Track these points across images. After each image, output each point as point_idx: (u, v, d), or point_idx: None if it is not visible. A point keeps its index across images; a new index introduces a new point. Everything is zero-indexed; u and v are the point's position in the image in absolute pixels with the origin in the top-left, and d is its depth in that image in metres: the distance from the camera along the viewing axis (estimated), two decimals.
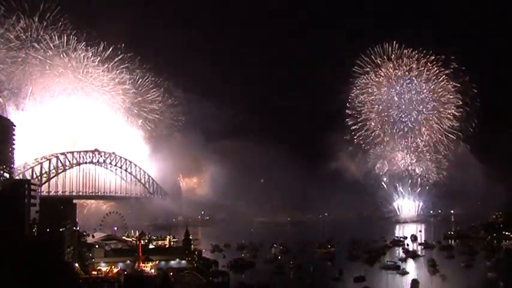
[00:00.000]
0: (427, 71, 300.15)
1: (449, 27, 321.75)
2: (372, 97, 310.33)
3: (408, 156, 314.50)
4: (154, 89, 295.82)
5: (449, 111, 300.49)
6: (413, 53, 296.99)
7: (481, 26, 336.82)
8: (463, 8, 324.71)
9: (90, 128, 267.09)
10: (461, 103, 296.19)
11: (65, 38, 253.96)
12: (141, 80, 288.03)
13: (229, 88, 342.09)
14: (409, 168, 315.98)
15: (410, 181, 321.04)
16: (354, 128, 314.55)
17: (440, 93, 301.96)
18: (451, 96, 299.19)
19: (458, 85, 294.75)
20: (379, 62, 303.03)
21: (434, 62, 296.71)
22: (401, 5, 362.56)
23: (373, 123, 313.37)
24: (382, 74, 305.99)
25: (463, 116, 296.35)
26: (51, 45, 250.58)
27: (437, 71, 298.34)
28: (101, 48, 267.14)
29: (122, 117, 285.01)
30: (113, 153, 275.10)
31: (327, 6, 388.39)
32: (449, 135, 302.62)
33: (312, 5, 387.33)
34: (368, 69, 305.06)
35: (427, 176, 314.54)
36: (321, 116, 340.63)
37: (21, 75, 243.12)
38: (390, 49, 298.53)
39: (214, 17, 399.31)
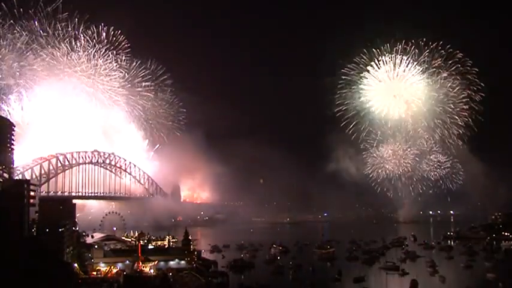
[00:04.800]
0: (427, 66, 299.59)
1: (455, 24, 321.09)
2: (372, 98, 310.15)
3: (408, 156, 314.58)
4: (156, 90, 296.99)
5: (449, 111, 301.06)
6: (412, 47, 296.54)
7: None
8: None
9: (90, 128, 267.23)
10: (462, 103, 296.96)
11: (70, 39, 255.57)
12: (143, 81, 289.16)
13: (230, 90, 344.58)
14: (409, 168, 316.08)
15: (410, 181, 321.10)
16: (353, 128, 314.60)
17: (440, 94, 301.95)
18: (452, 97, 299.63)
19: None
20: (378, 61, 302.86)
21: (439, 59, 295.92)
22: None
23: (373, 124, 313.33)
24: (382, 73, 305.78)
25: (463, 116, 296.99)
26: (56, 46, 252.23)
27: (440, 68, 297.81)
28: (105, 49, 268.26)
29: (123, 118, 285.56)
30: (112, 153, 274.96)
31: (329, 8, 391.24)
32: (450, 135, 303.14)
33: (313, 7, 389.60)
34: (366, 69, 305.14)
35: (427, 176, 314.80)
36: (321, 117, 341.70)
37: (24, 77, 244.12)
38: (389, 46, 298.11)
39: (216, 19, 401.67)
